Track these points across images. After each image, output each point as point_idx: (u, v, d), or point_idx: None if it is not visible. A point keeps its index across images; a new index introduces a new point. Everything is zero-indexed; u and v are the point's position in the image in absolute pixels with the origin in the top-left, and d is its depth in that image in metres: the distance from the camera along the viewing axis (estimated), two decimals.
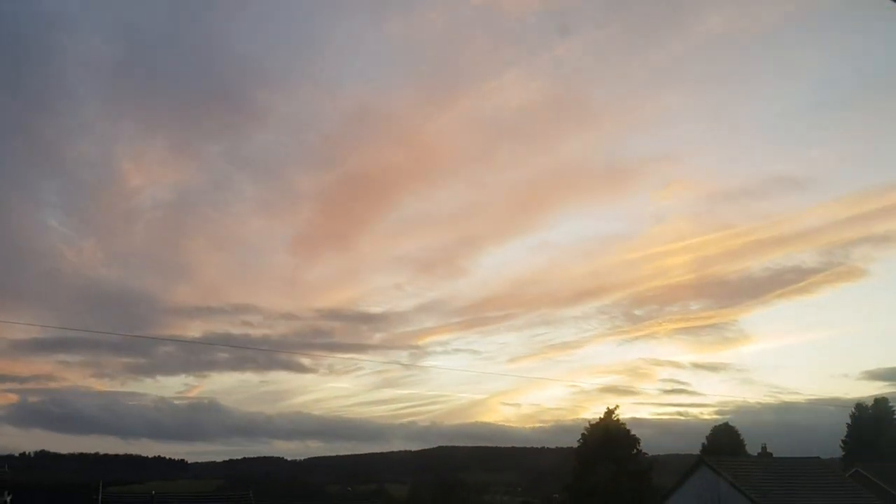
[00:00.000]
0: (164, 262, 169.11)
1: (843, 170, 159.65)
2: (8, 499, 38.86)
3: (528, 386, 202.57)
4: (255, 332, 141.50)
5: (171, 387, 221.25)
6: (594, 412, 66.18)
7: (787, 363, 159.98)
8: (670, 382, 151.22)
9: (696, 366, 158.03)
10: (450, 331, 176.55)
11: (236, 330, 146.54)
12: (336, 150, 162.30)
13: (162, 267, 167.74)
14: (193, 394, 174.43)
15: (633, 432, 46.46)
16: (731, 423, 63.84)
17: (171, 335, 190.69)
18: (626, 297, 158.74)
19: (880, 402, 67.04)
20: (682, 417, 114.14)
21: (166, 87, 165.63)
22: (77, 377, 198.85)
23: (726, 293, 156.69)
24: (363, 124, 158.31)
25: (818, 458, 51.62)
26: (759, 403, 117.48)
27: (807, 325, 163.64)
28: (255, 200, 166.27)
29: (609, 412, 42.46)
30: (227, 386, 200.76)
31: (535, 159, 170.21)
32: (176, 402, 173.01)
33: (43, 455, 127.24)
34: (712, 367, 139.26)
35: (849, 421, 66.96)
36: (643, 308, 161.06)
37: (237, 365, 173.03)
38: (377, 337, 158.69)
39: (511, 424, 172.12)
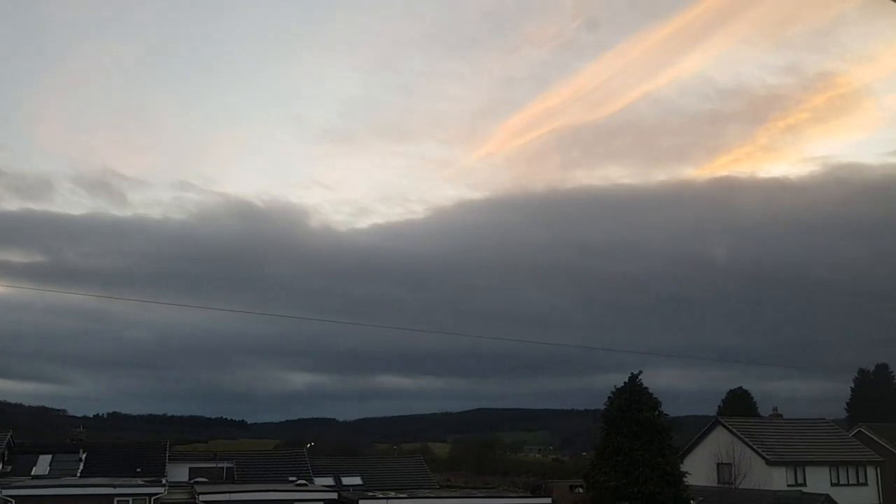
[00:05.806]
0: None
1: None
2: (83, 456, 41.42)
3: None
4: None
5: None
6: None
7: None
8: None
9: None
10: None
11: None
12: None
13: None
14: None
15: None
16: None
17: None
18: None
19: (881, 367, 71.08)
20: None
21: None
22: None
23: None
24: None
25: (824, 419, 55.52)
26: None
27: None
28: None
29: (633, 377, 45.86)
30: None
31: None
32: None
33: (115, 416, 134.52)
34: None
35: (852, 385, 71.35)
36: None
37: None
38: None
39: None
